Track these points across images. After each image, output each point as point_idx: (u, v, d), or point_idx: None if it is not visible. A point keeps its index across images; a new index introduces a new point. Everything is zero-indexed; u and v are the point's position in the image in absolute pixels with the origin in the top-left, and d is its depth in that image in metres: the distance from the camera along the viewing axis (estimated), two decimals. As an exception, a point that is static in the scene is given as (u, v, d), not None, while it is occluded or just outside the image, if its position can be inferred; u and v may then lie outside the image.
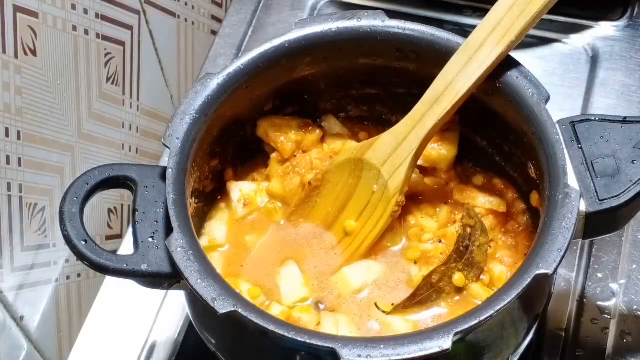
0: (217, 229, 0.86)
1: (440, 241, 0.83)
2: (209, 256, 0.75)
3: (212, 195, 0.88)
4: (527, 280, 0.69)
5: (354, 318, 0.80)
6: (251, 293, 0.81)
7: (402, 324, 0.79)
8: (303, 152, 0.89)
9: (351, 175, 0.84)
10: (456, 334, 0.67)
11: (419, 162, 0.86)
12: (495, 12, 0.79)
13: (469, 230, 0.81)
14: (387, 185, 0.82)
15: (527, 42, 1.09)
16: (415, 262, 0.83)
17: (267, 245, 0.85)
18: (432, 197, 0.87)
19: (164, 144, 0.78)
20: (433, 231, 0.85)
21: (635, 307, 0.92)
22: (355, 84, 0.90)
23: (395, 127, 0.82)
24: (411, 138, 0.81)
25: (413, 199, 0.86)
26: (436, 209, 0.86)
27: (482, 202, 0.86)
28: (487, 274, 0.81)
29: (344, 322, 0.79)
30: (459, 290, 0.80)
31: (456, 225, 0.83)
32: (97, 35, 1.02)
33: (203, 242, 0.85)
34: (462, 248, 0.80)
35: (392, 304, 0.80)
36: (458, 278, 0.79)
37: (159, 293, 0.96)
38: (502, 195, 0.86)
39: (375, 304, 0.80)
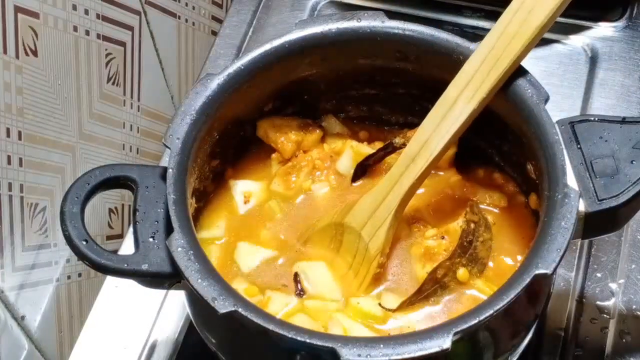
0: (217, 227, 0.86)
1: (443, 237, 0.83)
2: (208, 254, 0.75)
3: (212, 195, 0.88)
4: (527, 280, 0.69)
5: (360, 318, 0.80)
6: (248, 292, 0.81)
7: (408, 320, 0.79)
8: (304, 152, 0.89)
9: (333, 240, 0.83)
10: (455, 333, 0.67)
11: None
12: (466, 68, 0.79)
13: (472, 225, 0.81)
14: (368, 247, 0.81)
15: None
16: (420, 259, 0.83)
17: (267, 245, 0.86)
18: (433, 194, 0.87)
19: (165, 144, 0.78)
20: (436, 227, 0.85)
21: (634, 306, 0.92)
22: (355, 85, 0.90)
23: (373, 189, 0.82)
24: (390, 198, 0.80)
25: (415, 197, 0.86)
26: (438, 205, 0.86)
27: (483, 197, 0.86)
28: (490, 269, 0.81)
29: (349, 322, 0.79)
30: (463, 285, 0.80)
31: (459, 221, 0.83)
32: (98, 36, 1.02)
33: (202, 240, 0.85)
34: (465, 243, 0.81)
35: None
36: (462, 273, 0.80)
37: (159, 293, 0.96)
38: (503, 190, 0.87)
39: (379, 304, 0.80)
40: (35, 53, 0.91)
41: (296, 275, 0.82)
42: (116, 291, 0.98)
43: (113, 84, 1.07)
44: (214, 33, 1.27)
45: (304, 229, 0.85)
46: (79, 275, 1.08)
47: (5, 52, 0.86)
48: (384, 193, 0.81)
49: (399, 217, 0.82)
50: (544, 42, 1.10)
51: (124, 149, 1.12)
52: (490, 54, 0.77)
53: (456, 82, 0.79)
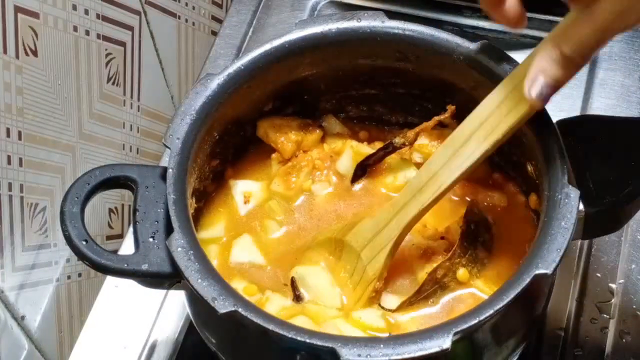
0: (216, 227, 0.87)
1: (443, 237, 0.83)
2: (208, 254, 0.75)
3: (212, 195, 0.88)
4: (527, 280, 0.69)
5: (362, 328, 0.80)
6: (247, 291, 0.81)
7: (409, 320, 0.79)
8: (304, 152, 0.89)
9: (332, 253, 0.83)
10: (455, 333, 0.67)
11: (419, 159, 0.86)
12: (483, 106, 0.76)
13: (472, 225, 0.81)
14: (366, 270, 0.80)
15: (526, 42, 1.10)
16: (420, 259, 0.83)
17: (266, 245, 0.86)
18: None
19: (165, 144, 0.78)
20: (436, 227, 0.85)
21: (634, 306, 0.92)
22: (355, 84, 0.90)
23: (377, 213, 0.81)
24: (392, 226, 0.79)
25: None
26: (438, 205, 0.86)
27: (483, 197, 0.86)
28: (490, 269, 0.81)
29: (350, 329, 0.79)
30: (463, 285, 0.80)
31: (460, 221, 0.83)
32: (98, 36, 1.02)
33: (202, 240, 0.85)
34: (465, 243, 0.81)
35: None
36: (462, 273, 0.80)
37: (159, 293, 0.97)
38: (503, 190, 0.87)
39: (379, 305, 0.80)
40: (35, 53, 0.91)
41: (293, 280, 0.81)
42: (116, 291, 0.98)
43: (113, 84, 1.07)
44: (214, 33, 1.27)
45: (302, 233, 0.85)
46: (79, 275, 1.08)
47: (5, 52, 0.86)
48: (387, 219, 0.80)
49: (399, 244, 0.81)
50: (544, 42, 1.10)
51: (124, 149, 1.12)
52: (511, 93, 0.74)
53: (471, 119, 0.76)
